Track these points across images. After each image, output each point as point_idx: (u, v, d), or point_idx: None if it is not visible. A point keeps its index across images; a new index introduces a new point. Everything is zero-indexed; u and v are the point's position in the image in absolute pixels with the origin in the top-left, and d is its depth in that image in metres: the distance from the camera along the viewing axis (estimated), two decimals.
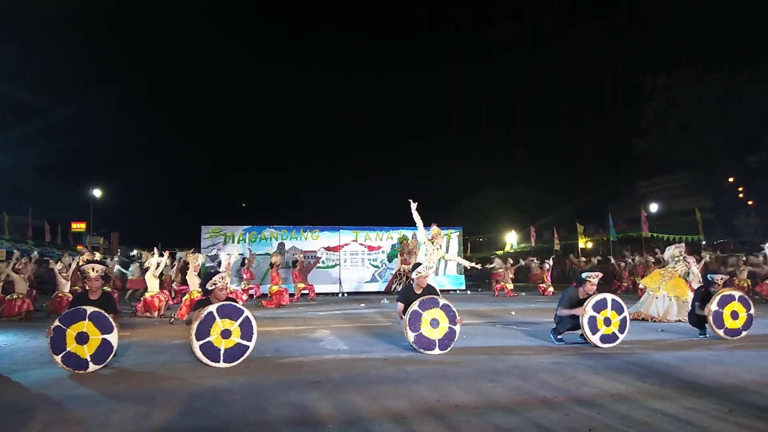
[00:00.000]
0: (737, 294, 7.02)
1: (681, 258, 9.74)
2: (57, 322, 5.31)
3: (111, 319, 5.49)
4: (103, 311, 5.50)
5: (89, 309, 5.43)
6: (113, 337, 5.46)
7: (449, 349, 6.11)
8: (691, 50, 41.74)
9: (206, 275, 6.08)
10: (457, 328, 6.22)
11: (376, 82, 79.50)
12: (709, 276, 7.18)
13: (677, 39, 46.19)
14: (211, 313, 5.50)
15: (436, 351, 6.04)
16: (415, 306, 6.18)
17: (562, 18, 66.51)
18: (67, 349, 5.23)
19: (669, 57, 46.26)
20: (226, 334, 5.49)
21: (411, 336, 6.08)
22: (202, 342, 5.41)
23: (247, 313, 5.66)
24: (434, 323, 6.13)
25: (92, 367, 5.26)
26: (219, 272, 6.05)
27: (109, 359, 5.41)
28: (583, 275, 6.61)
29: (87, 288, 5.91)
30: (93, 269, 5.89)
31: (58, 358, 5.20)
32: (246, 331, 5.60)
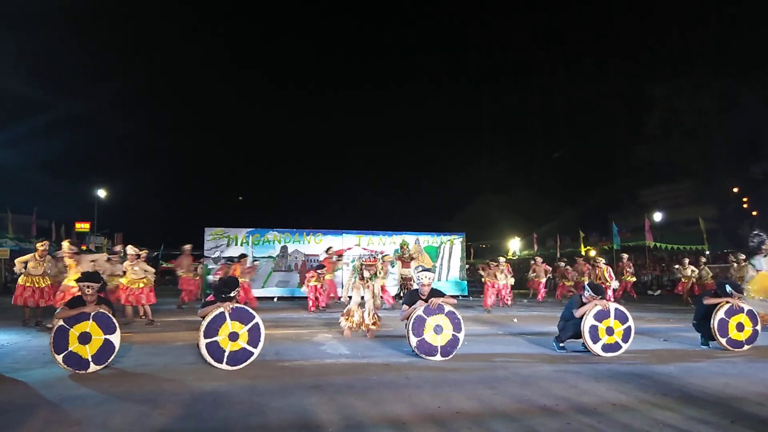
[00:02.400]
0: (747, 307, 6.98)
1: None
2: (61, 322, 5.33)
3: (114, 320, 5.51)
4: (107, 312, 5.51)
5: (94, 310, 5.45)
6: (116, 338, 5.47)
7: (451, 356, 6.10)
8: (692, 58, 41.79)
9: (225, 281, 6.04)
10: (461, 335, 6.22)
11: (377, 86, 79.59)
12: (728, 286, 7.10)
13: (679, 47, 46.18)
14: (222, 313, 5.53)
15: (438, 357, 6.04)
16: (419, 311, 6.19)
17: (565, 24, 66.58)
18: (69, 349, 5.24)
19: (671, 65, 46.32)
20: (233, 336, 5.52)
21: (413, 341, 6.08)
22: (209, 340, 5.45)
23: (257, 319, 5.69)
24: (438, 329, 6.14)
25: (93, 367, 5.27)
26: (237, 280, 6.08)
27: (110, 360, 5.42)
28: (591, 289, 6.58)
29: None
30: (88, 287, 5.53)
31: (60, 358, 5.21)
32: (253, 337, 5.62)
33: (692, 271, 15.48)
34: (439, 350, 6.08)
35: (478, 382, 4.94)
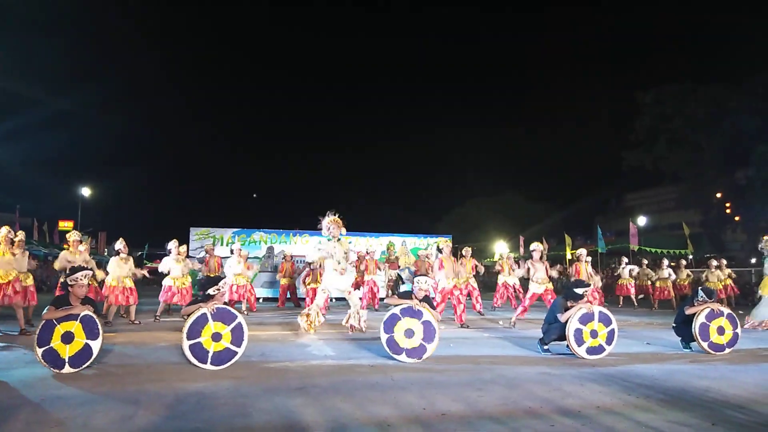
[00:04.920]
0: (726, 311, 7.07)
1: None
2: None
3: (99, 325, 5.45)
4: (94, 316, 5.45)
5: (82, 311, 5.40)
6: (96, 344, 5.40)
7: (417, 359, 6.06)
8: (681, 65, 42.40)
9: (210, 279, 6.00)
10: (431, 346, 6.16)
11: (368, 89, 79.60)
12: (700, 291, 7.19)
13: (668, 54, 46.84)
14: (204, 314, 5.49)
15: (403, 357, 6.06)
16: (396, 310, 6.21)
17: (555, 29, 67.11)
18: (51, 345, 5.18)
19: (660, 71, 46.95)
20: (216, 337, 5.48)
21: (384, 337, 6.12)
22: (192, 342, 5.41)
23: (240, 318, 5.66)
24: (409, 333, 6.13)
25: (67, 368, 5.19)
26: (223, 278, 6.03)
27: (86, 365, 5.33)
28: (576, 290, 6.62)
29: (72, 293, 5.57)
30: (85, 276, 5.61)
31: (40, 351, 5.14)
32: (237, 336, 5.59)
33: (630, 270, 15.71)
34: (405, 351, 6.08)
35: (463, 384, 4.96)
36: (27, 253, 8.58)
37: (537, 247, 9.81)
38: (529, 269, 9.68)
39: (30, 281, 8.42)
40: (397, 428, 3.60)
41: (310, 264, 12.62)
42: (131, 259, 9.95)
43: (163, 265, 10.68)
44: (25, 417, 3.74)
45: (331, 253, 8.09)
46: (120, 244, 9.83)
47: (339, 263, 8.05)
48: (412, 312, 6.22)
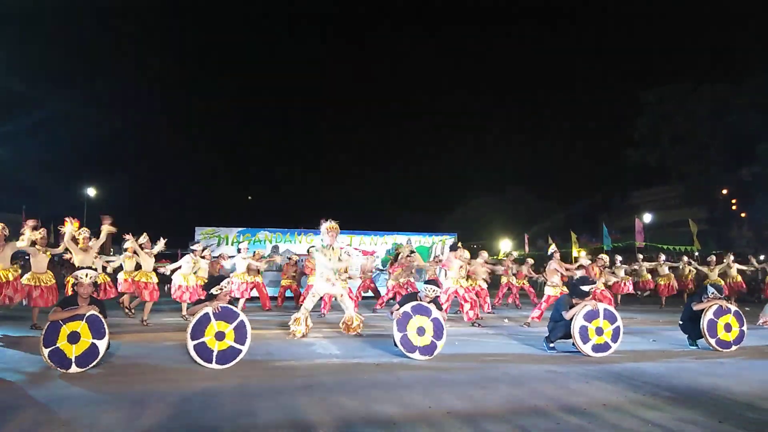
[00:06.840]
0: (733, 308, 7.05)
1: None
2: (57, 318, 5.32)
3: (105, 325, 5.47)
4: (100, 315, 5.47)
5: (88, 312, 5.42)
6: (102, 344, 5.42)
7: (429, 356, 6.11)
8: (685, 63, 42.23)
9: (213, 279, 6.05)
10: (440, 343, 6.23)
11: (369, 88, 79.51)
12: (710, 288, 7.19)
13: (672, 52, 46.66)
14: (207, 314, 5.52)
15: (417, 355, 6.09)
16: (407, 308, 6.27)
17: (557, 26, 66.96)
18: (57, 345, 5.21)
19: (663, 69, 46.82)
20: (220, 336, 5.51)
21: (397, 336, 6.16)
22: (196, 342, 5.45)
23: (242, 317, 5.70)
24: (420, 331, 6.19)
25: (74, 368, 5.21)
26: (226, 277, 6.05)
27: (92, 364, 5.34)
28: (583, 288, 6.60)
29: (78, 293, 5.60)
30: (87, 275, 5.64)
31: (46, 352, 5.17)
32: (240, 334, 5.61)
33: (625, 271, 15.42)
34: (419, 349, 6.13)
35: (469, 382, 4.96)
36: (48, 250, 8.78)
37: (554, 249, 10.28)
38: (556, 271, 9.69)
39: (47, 279, 8.53)
40: (402, 426, 3.60)
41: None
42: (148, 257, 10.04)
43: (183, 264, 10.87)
44: (32, 417, 3.76)
45: (322, 260, 8.00)
46: (144, 239, 10.31)
47: (331, 270, 7.92)
48: (421, 309, 6.29)
